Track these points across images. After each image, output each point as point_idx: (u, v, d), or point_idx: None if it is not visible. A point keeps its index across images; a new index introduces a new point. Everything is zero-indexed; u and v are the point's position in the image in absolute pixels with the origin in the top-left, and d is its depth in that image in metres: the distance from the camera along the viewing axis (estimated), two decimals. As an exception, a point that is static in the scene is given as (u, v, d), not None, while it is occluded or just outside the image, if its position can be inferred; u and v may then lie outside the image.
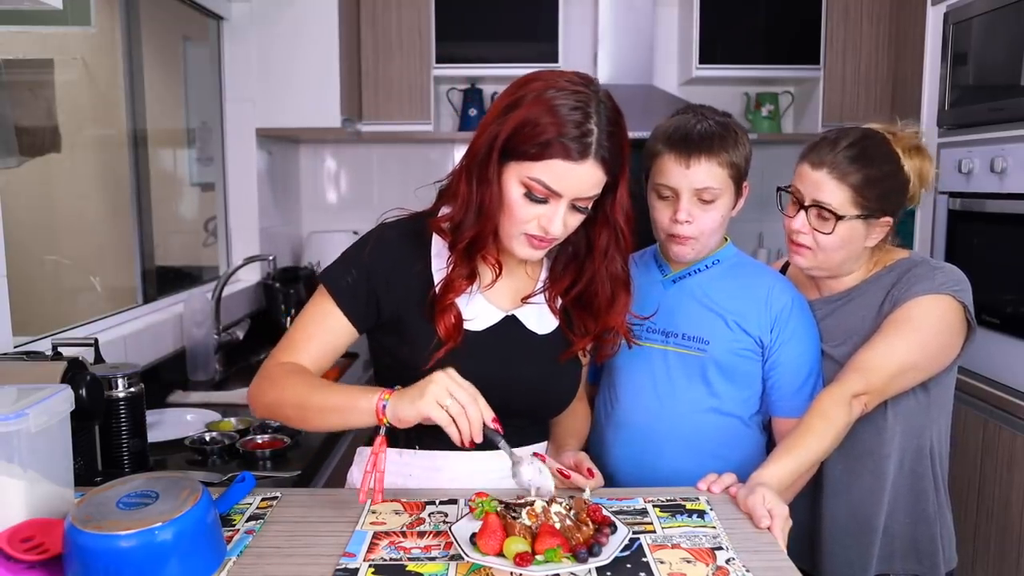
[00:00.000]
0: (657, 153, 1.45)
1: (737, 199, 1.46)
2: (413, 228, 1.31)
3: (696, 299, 1.49)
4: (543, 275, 1.36)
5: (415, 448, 1.32)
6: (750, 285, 1.49)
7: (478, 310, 1.30)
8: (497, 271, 1.28)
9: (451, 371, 1.11)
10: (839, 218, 1.43)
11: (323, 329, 1.28)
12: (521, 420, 1.32)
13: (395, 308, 1.28)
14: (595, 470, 1.30)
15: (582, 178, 1.16)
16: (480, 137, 1.21)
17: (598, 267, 1.29)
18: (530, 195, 1.17)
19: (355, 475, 1.41)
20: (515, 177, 1.18)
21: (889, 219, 1.47)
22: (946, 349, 1.44)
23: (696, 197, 1.41)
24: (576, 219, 1.22)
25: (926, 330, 1.41)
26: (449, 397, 1.08)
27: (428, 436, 1.25)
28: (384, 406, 1.11)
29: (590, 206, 1.22)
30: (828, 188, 1.43)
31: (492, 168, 1.18)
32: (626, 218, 1.27)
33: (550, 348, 1.33)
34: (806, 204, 1.45)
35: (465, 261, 1.25)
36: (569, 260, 1.33)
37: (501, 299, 1.32)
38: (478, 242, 1.23)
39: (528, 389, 1.30)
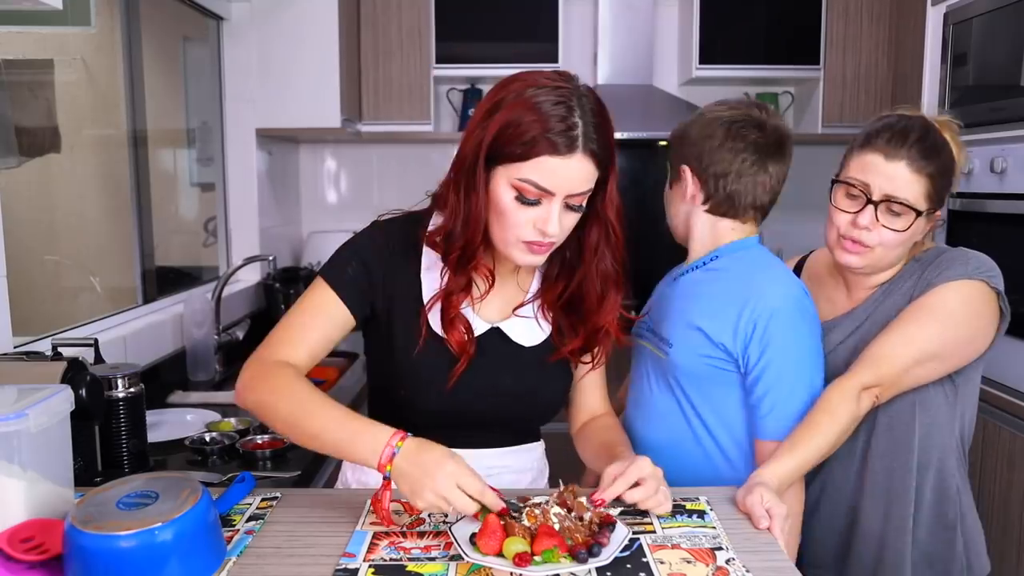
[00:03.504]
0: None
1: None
2: (407, 229, 1.30)
3: (678, 297, 1.43)
4: (535, 286, 1.33)
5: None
6: (732, 287, 1.36)
7: None
8: (490, 282, 1.27)
9: (459, 460, 1.05)
10: (918, 214, 1.33)
11: (323, 317, 1.25)
12: (513, 426, 1.36)
13: (387, 305, 1.28)
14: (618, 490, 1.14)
15: (572, 173, 1.13)
16: (465, 144, 1.17)
17: (588, 266, 1.26)
18: (522, 198, 1.14)
19: (348, 476, 1.41)
20: (504, 181, 1.14)
21: (939, 212, 1.39)
22: (975, 339, 1.35)
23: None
24: (572, 219, 1.18)
25: (951, 317, 1.32)
26: (455, 489, 1.02)
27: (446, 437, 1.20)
28: (394, 454, 1.05)
29: (584, 203, 1.19)
30: (905, 181, 1.33)
31: (479, 176, 1.15)
32: (616, 213, 1.24)
33: (536, 359, 1.31)
34: (875, 199, 1.35)
35: (459, 272, 1.23)
36: (561, 265, 1.30)
37: (489, 311, 1.30)
38: (468, 251, 1.21)
39: (514, 399, 1.31)
